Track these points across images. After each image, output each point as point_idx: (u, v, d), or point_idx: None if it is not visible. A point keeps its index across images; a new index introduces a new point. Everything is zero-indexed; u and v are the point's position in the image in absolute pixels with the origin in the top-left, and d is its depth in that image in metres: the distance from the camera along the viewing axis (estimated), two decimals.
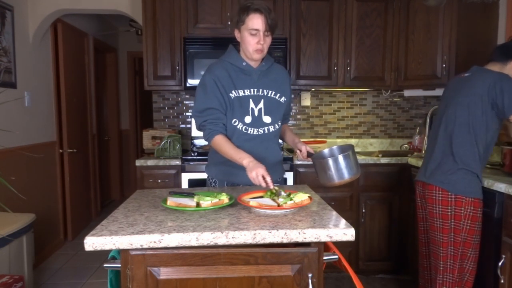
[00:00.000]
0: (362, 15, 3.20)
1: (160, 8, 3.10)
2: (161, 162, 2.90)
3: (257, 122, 1.87)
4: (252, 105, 1.86)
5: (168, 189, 1.89)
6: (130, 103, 5.84)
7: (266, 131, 1.89)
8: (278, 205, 1.43)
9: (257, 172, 1.61)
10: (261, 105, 1.87)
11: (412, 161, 2.90)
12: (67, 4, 3.56)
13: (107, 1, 3.64)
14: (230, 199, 1.50)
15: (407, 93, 3.50)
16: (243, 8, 1.77)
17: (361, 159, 3.00)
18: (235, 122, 1.86)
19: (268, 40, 1.81)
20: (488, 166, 2.42)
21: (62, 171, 4.01)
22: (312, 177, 2.97)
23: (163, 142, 3.02)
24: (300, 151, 1.87)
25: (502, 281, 1.94)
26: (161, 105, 3.56)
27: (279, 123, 1.94)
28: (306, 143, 3.22)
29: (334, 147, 1.74)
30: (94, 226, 1.29)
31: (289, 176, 2.91)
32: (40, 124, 3.62)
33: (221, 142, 1.79)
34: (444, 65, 3.05)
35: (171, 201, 1.46)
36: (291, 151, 3.35)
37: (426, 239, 2.19)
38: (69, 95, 4.05)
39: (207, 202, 1.44)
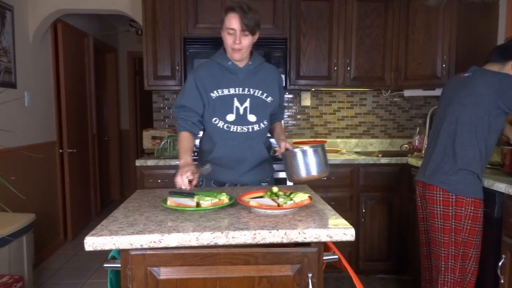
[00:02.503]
0: (362, 15, 3.20)
1: (160, 8, 3.10)
2: (161, 162, 2.90)
3: (241, 120, 1.87)
4: (237, 103, 1.87)
5: (168, 189, 1.89)
6: (130, 103, 5.84)
7: (251, 130, 1.89)
8: (278, 205, 1.43)
9: (181, 172, 1.62)
10: (246, 103, 1.87)
11: (412, 161, 2.90)
12: (67, 4, 3.56)
13: (107, 1, 3.64)
14: (230, 199, 1.50)
15: (407, 93, 3.50)
16: (225, 8, 1.80)
17: (361, 159, 3.00)
18: (215, 120, 1.88)
19: (247, 40, 1.78)
20: (488, 166, 2.42)
21: (62, 171, 4.01)
22: None
23: (163, 142, 3.02)
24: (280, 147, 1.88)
25: (502, 281, 1.94)
26: (161, 105, 3.57)
27: (265, 122, 1.93)
28: (306, 143, 3.23)
29: (306, 146, 1.71)
30: (94, 226, 1.29)
31: None
32: (40, 124, 3.62)
33: (181, 139, 1.86)
34: (444, 65, 3.05)
35: (171, 201, 1.46)
36: None
37: (426, 240, 2.19)
38: (69, 95, 4.05)
39: (207, 202, 1.44)
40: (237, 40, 1.76)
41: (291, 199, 1.45)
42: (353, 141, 3.66)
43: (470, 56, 2.98)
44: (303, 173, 1.63)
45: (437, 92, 3.29)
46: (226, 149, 1.89)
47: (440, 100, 2.21)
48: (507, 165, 2.15)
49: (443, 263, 1.99)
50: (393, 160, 3.01)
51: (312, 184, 2.79)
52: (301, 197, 1.46)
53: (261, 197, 1.56)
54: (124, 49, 5.80)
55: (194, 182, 1.65)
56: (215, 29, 3.11)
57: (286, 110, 3.62)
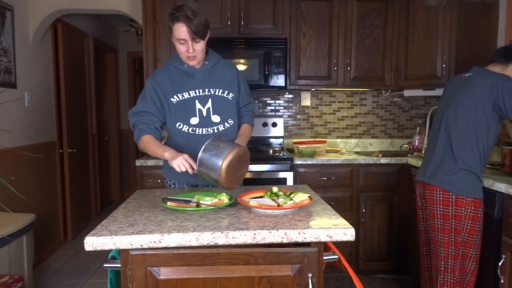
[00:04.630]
0: (362, 15, 3.20)
1: (160, 8, 3.10)
2: (161, 162, 2.89)
3: (205, 122, 1.85)
4: (199, 105, 1.84)
5: (168, 189, 1.89)
6: (130, 103, 5.84)
7: (216, 130, 1.86)
8: (278, 205, 1.43)
9: (182, 158, 1.60)
10: (209, 104, 1.85)
11: (412, 161, 2.90)
12: (67, 4, 3.56)
13: (107, 1, 3.64)
14: (230, 199, 1.50)
15: (407, 93, 3.50)
16: (170, 15, 1.71)
17: (361, 159, 3.00)
18: (179, 125, 1.84)
19: (199, 45, 1.74)
20: (488, 166, 2.42)
21: (62, 171, 4.01)
22: (312, 177, 2.97)
23: (163, 142, 3.02)
24: None
25: (502, 281, 1.94)
26: None
27: (230, 121, 1.90)
28: (306, 143, 3.23)
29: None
30: (94, 226, 1.29)
31: (289, 176, 2.91)
32: (40, 124, 3.62)
33: (148, 141, 1.78)
34: (444, 65, 3.05)
35: (171, 201, 1.46)
36: (291, 151, 3.35)
37: (426, 239, 2.19)
38: (69, 95, 4.05)
39: (207, 202, 1.44)
40: (190, 49, 1.72)
41: (291, 199, 1.44)
42: (353, 141, 3.66)
43: (470, 56, 2.98)
44: (220, 162, 1.48)
45: (437, 92, 3.29)
46: (194, 153, 1.79)
47: (441, 100, 2.21)
48: (507, 165, 2.15)
49: (442, 263, 1.99)
50: (393, 160, 3.01)
51: (312, 184, 2.80)
52: (301, 197, 1.45)
53: (261, 197, 1.56)
54: (124, 49, 5.80)
55: (191, 161, 1.61)
56: (215, 29, 3.11)
57: (286, 110, 3.62)
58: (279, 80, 3.09)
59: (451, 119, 2.01)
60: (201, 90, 1.84)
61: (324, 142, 3.26)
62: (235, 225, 1.25)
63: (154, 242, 1.16)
